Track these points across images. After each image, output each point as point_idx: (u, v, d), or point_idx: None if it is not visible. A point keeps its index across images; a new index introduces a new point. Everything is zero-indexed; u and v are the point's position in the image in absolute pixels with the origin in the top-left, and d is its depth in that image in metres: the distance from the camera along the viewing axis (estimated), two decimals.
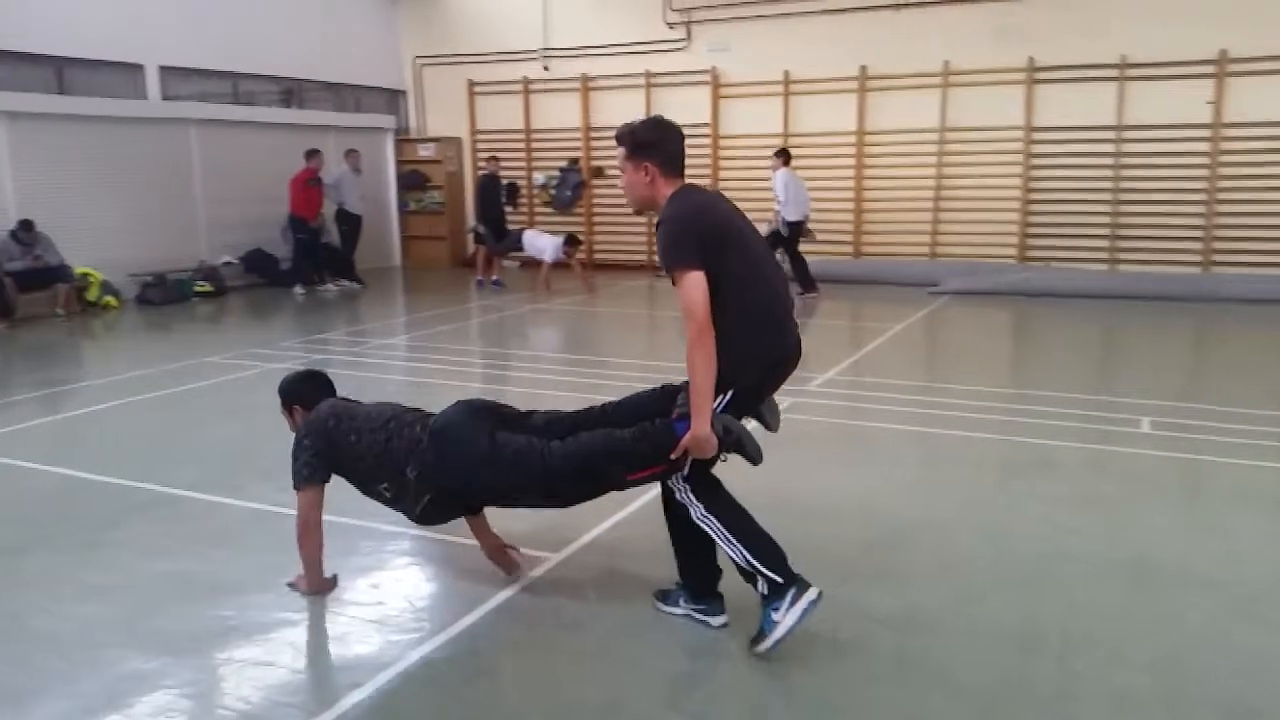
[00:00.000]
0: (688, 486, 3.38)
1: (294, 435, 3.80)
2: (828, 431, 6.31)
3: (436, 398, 4.19)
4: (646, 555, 4.24)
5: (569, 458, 3.35)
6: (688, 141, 3.51)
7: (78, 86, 12.10)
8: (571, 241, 13.30)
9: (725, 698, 3.18)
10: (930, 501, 4.99)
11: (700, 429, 3.14)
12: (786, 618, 3.25)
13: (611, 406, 3.58)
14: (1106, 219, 12.94)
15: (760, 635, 3.30)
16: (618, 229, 15.51)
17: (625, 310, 12.01)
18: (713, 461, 3.36)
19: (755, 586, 3.33)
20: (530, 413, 3.71)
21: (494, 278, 13.73)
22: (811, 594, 3.29)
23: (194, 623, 3.69)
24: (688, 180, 3.43)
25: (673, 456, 3.23)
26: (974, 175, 13.46)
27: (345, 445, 3.67)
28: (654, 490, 4.92)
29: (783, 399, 6.76)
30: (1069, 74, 12.76)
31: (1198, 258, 12.56)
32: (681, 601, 3.63)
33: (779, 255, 12.22)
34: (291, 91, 15.15)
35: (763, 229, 12.40)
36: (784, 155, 12.38)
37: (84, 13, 11.87)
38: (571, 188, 15.71)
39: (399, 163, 16.61)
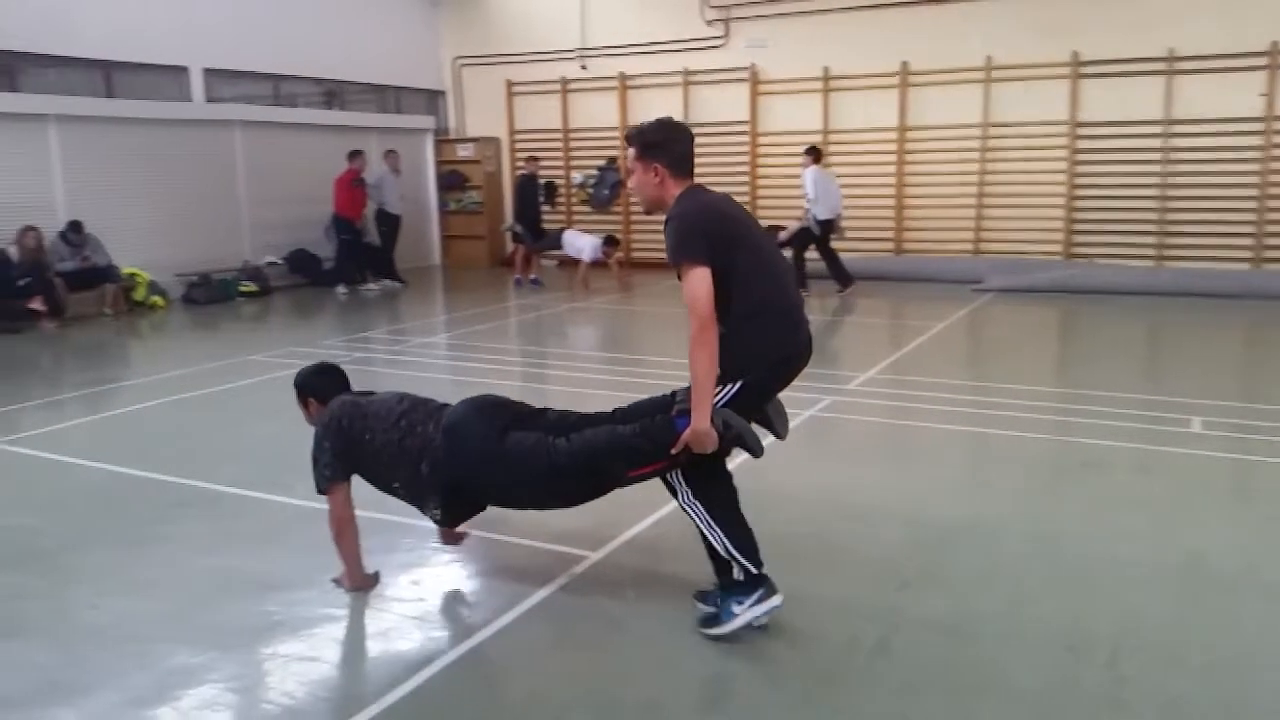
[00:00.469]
0: (682, 478, 3.42)
1: (313, 430, 3.82)
2: (869, 431, 6.24)
3: (474, 394, 4.18)
4: (686, 554, 4.20)
5: (573, 455, 3.38)
6: (725, 140, 3.54)
7: (125, 89, 12.31)
8: (611, 242, 13.30)
9: (766, 701, 3.14)
10: (977, 503, 4.91)
11: (700, 423, 3.17)
12: (747, 613, 3.35)
13: (621, 412, 3.58)
14: (1153, 214, 12.70)
15: (715, 620, 3.40)
16: (655, 228, 15.45)
17: (662, 309, 11.97)
18: (715, 455, 3.34)
19: (730, 574, 3.40)
20: (543, 410, 3.72)
21: (532, 276, 13.77)
22: (776, 600, 3.39)
23: (239, 618, 3.72)
24: (697, 181, 3.47)
25: (673, 451, 3.26)
26: (1018, 171, 13.27)
27: (361, 443, 3.69)
28: None
29: (821, 397, 6.77)
30: (1115, 68, 12.54)
31: (1248, 254, 12.28)
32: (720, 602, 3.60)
33: (805, 254, 12.18)
34: (333, 93, 15.30)
35: (792, 225, 12.45)
36: (814, 153, 12.24)
37: (131, 17, 12.06)
38: (609, 187, 15.69)
39: (438, 163, 16.71)
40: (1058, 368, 8.73)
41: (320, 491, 3.76)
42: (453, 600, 3.82)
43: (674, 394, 3.49)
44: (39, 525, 4.67)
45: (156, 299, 12.02)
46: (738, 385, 3.33)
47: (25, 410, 7.14)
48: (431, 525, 4.45)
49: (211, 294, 12.55)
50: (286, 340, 9.71)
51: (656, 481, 3.67)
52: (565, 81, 15.86)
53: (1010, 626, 3.53)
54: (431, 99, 16.90)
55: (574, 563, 4.02)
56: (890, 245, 14.08)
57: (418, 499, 3.70)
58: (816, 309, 11.55)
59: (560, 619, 3.63)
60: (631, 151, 3.45)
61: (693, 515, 3.42)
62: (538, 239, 13.77)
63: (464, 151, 16.64)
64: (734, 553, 3.37)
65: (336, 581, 3.90)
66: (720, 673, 3.30)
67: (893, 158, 13.89)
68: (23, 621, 3.70)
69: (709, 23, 14.69)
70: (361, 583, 3.86)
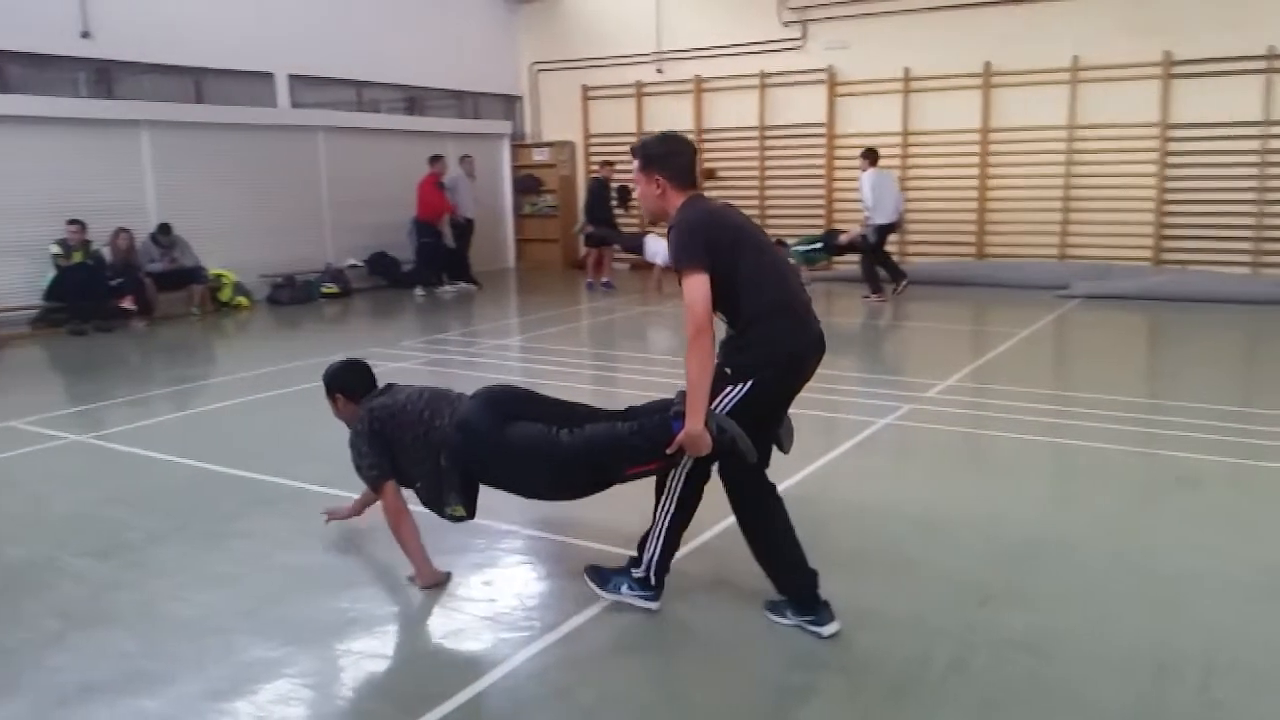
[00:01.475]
0: (681, 482, 3.52)
1: (341, 423, 4.04)
2: (948, 441, 6.10)
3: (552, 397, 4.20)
4: (756, 568, 4.16)
5: (574, 449, 3.49)
6: (802, 142, 3.52)
7: (214, 95, 12.70)
8: None
9: (837, 714, 3.08)
10: (1060, 517, 4.76)
11: (694, 426, 3.23)
12: (627, 597, 3.65)
13: (634, 410, 3.68)
14: (1250, 220, 12.20)
15: (601, 578, 3.71)
16: None
17: None
18: (712, 460, 3.43)
19: (630, 564, 3.67)
20: (555, 402, 3.85)
21: (604, 280, 13.81)
22: (653, 605, 3.64)
23: (315, 613, 3.79)
24: (698, 189, 3.58)
25: (668, 452, 3.35)
26: (1106, 174, 12.87)
27: (396, 444, 3.83)
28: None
29: (899, 405, 6.64)
30: (1210, 67, 12.08)
31: None
32: (789, 613, 3.56)
33: (882, 252, 12.00)
34: (413, 99, 15.57)
35: (854, 230, 12.30)
36: (871, 155, 12.02)
37: (220, 26, 12.44)
38: None
39: (514, 167, 16.89)
40: (1146, 378, 8.43)
41: (374, 487, 3.91)
42: (523, 601, 3.83)
43: (682, 394, 3.50)
44: (128, 518, 4.82)
45: (242, 299, 12.36)
46: (749, 384, 3.38)
47: (116, 406, 7.40)
48: (504, 527, 4.51)
49: (295, 295, 12.87)
50: (366, 341, 9.90)
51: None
52: (640, 85, 15.90)
53: (1094, 646, 3.40)
54: (508, 104, 17.09)
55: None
56: (972, 249, 13.78)
57: (436, 495, 3.80)
58: (891, 313, 11.36)
59: (629, 624, 3.61)
60: (635, 165, 3.56)
61: (656, 520, 3.59)
62: (621, 237, 13.77)
63: (539, 156, 16.80)
64: (654, 562, 3.60)
65: (411, 579, 3.95)
66: (790, 684, 3.25)
67: (975, 160, 13.60)
68: (112, 611, 3.82)
69: (786, 24, 14.57)
70: (433, 577, 3.90)
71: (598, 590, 3.70)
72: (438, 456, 3.72)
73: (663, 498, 3.59)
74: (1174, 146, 12.49)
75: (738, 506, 3.56)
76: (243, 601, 3.88)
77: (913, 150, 13.98)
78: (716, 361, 3.35)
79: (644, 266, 14.14)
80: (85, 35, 11.09)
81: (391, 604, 3.91)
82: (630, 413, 3.66)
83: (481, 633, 3.58)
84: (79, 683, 3.24)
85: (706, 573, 4.02)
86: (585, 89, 16.46)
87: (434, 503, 3.84)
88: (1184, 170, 12.51)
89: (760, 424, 3.43)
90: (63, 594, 3.96)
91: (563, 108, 16.75)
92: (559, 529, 4.50)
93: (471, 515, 3.88)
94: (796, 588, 3.53)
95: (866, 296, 12.02)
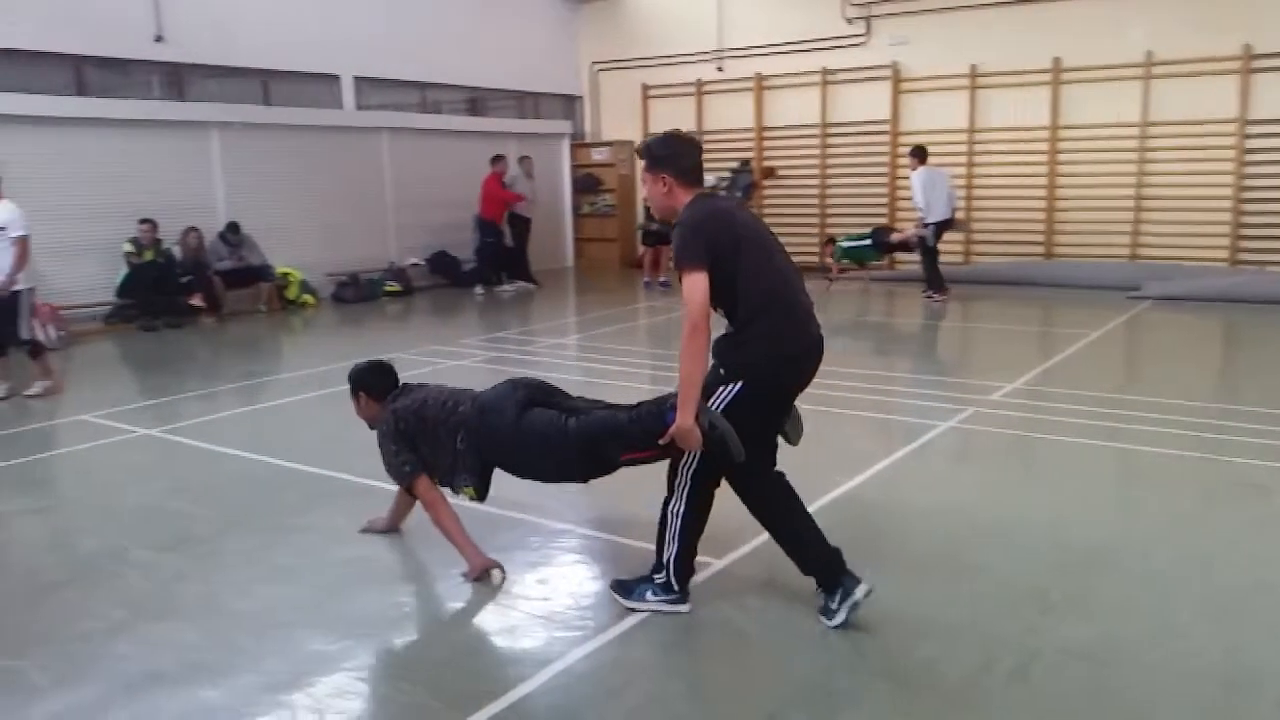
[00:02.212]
0: (689, 480, 3.55)
1: (369, 427, 4.23)
2: (1012, 445, 5.96)
3: (602, 395, 4.20)
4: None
5: (578, 434, 3.65)
6: (865, 139, 3.47)
7: (281, 97, 12.95)
8: None
9: None
10: (1126, 524, 4.62)
11: (684, 421, 3.30)
12: (654, 605, 3.63)
13: (644, 404, 3.75)
14: None
15: (625, 589, 3.69)
16: (789, 230, 15.29)
17: None
18: (721, 463, 3.46)
19: (652, 570, 3.66)
20: (572, 396, 3.99)
21: (661, 279, 13.78)
22: (683, 608, 3.62)
23: (373, 608, 3.83)
24: (703, 189, 3.62)
25: (661, 443, 3.44)
26: (1180, 172, 12.50)
27: (421, 439, 3.99)
28: (825, 497, 4.80)
29: (962, 408, 6.52)
30: None
31: None
32: (831, 605, 3.52)
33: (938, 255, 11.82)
34: (475, 99, 15.72)
35: (910, 231, 12.11)
36: (920, 154, 11.80)
37: (287, 29, 12.69)
38: (742, 189, 15.56)
39: (573, 166, 16.96)
40: (1219, 382, 8.15)
41: (407, 486, 4.07)
42: (577, 601, 3.83)
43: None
44: (194, 511, 4.94)
45: (307, 297, 12.60)
46: (741, 384, 3.43)
47: (184, 401, 7.59)
48: (560, 526, 4.52)
49: (359, 293, 13.08)
50: (427, 339, 10.02)
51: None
52: (700, 84, 15.85)
53: (1160, 657, 3.29)
54: (568, 104, 17.16)
55: (697, 569, 3.95)
56: (1040, 249, 13.49)
57: (450, 475, 3.96)
58: (955, 314, 11.17)
59: (683, 626, 3.59)
60: (642, 164, 3.62)
61: (668, 521, 3.60)
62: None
63: (599, 155, 16.84)
64: (671, 569, 3.60)
65: (464, 576, 3.98)
66: (847, 689, 3.20)
67: (1044, 158, 13.30)
68: (177, 602, 3.91)
69: (849, 20, 14.41)
70: (481, 563, 3.96)
71: (623, 602, 3.67)
72: (454, 438, 3.88)
73: (671, 499, 3.60)
74: (1253, 144, 12.08)
75: (745, 497, 3.63)
76: (302, 595, 3.95)
77: (979, 148, 13.72)
78: (713, 360, 3.43)
79: None
80: (159, 39, 11.40)
81: (447, 600, 3.94)
82: (640, 405, 3.73)
83: (535, 631, 3.59)
84: (144, 672, 3.32)
85: (757, 577, 3.98)
86: (645, 88, 16.46)
87: (448, 476, 4.00)
88: (1262, 168, 12.08)
89: (759, 422, 3.49)
90: (130, 585, 4.07)
91: (622, 107, 16.77)
92: (614, 529, 4.50)
93: (481, 498, 4.00)
94: (821, 565, 3.57)
95: (930, 296, 11.83)
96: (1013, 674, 3.20)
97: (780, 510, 3.62)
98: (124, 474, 5.74)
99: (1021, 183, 13.47)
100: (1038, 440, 6.10)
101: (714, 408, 3.41)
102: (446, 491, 4.10)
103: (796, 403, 3.67)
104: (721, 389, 3.44)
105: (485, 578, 3.96)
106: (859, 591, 3.48)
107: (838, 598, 3.50)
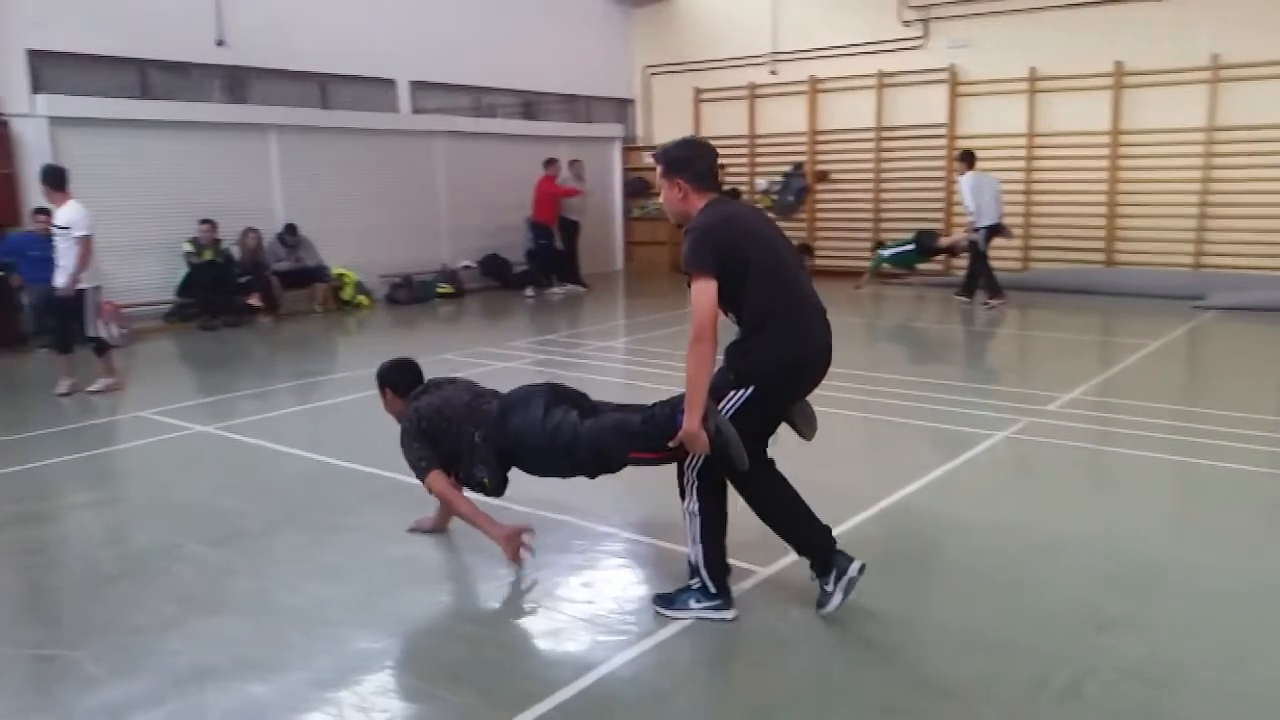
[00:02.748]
0: (696, 480, 3.57)
1: (396, 422, 4.34)
2: (1069, 457, 5.82)
3: (648, 399, 4.18)
4: (864, 580, 4.05)
5: (590, 433, 3.75)
6: (922, 143, 3.41)
7: (338, 101, 13.14)
8: (804, 251, 13.00)
9: None
10: (1185, 540, 4.49)
11: (690, 425, 3.35)
12: (698, 612, 3.60)
13: (658, 404, 3.78)
14: None
15: (667, 600, 3.67)
16: (838, 235, 15.16)
17: (845, 318, 11.68)
18: (721, 460, 3.47)
19: (690, 578, 3.65)
20: (590, 399, 4.06)
21: None
22: (730, 614, 3.59)
23: (419, 607, 3.86)
24: (718, 194, 3.62)
25: (670, 446, 3.49)
26: (1247, 179, 12.14)
27: (441, 434, 4.10)
28: (874, 506, 4.73)
29: (1018, 419, 6.39)
30: None
31: None
32: (826, 587, 3.59)
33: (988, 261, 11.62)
34: (528, 103, 15.81)
35: (959, 236, 11.92)
36: (968, 158, 11.76)
37: (345, 33, 12.87)
38: (795, 193, 15.49)
39: (625, 170, 16.98)
40: None
41: (423, 478, 4.13)
42: (620, 605, 3.81)
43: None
44: (246, 508, 5.01)
45: (362, 298, 12.76)
46: (749, 390, 3.46)
47: (239, 399, 7.72)
48: (604, 529, 4.52)
49: (412, 295, 13.22)
50: (478, 340, 10.09)
51: (834, 501, 3.56)
52: (753, 87, 15.77)
53: (1222, 681, 3.18)
54: (621, 107, 17.19)
55: (743, 577, 3.92)
56: (1101, 256, 13.19)
57: (469, 469, 4.05)
58: (1012, 321, 10.97)
59: (726, 633, 3.55)
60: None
61: (686, 524, 3.62)
62: None
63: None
64: (703, 571, 3.59)
65: (510, 564, 4.05)
66: (892, 704, 3.13)
67: (1105, 163, 13.01)
68: (227, 598, 3.97)
69: (906, 23, 14.24)
70: (508, 532, 4.03)
71: (666, 613, 3.64)
72: (474, 434, 4.01)
73: (685, 501, 3.63)
74: None
75: (737, 481, 3.65)
76: (350, 593, 3.98)
77: (1038, 153, 13.47)
78: (721, 364, 3.48)
79: None
80: (220, 43, 11.63)
81: (491, 601, 3.96)
82: (654, 408, 3.76)
83: (579, 634, 3.58)
84: (193, 666, 3.37)
85: (803, 585, 3.91)
86: (697, 91, 16.42)
87: (467, 471, 4.09)
88: None
89: (763, 423, 3.57)
90: (182, 580, 4.13)
91: (675, 110, 16.74)
92: (658, 533, 4.47)
93: (496, 493, 4.08)
94: (814, 546, 3.63)
95: (986, 303, 11.65)
96: (1066, 691, 3.12)
97: (773, 494, 3.66)
98: (179, 470, 5.85)
99: (1081, 188, 13.18)
100: (1095, 452, 5.96)
101: (723, 412, 3.44)
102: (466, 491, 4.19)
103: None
104: (731, 394, 3.47)
105: (520, 551, 4.03)
106: (853, 569, 3.56)
107: (832, 578, 3.57)
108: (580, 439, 3.76)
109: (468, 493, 4.18)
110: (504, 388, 4.29)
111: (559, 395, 4.03)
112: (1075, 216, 13.25)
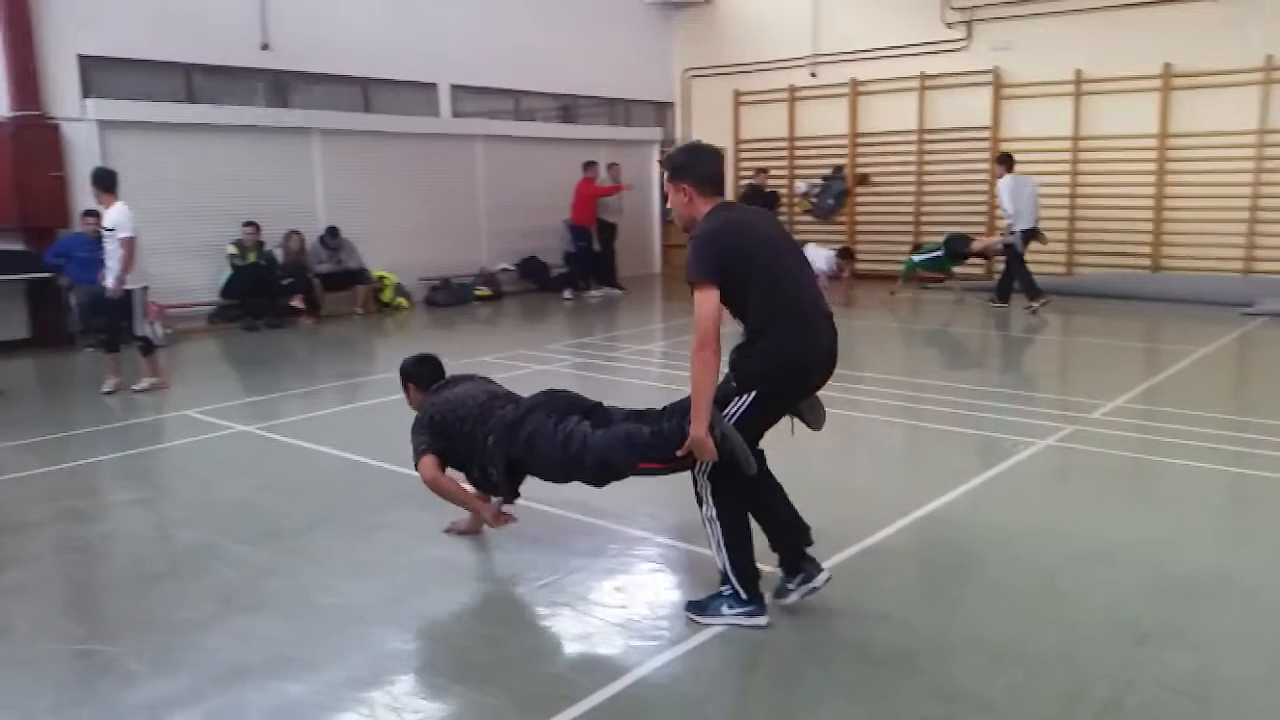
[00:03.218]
0: (708, 484, 3.58)
1: (414, 412, 4.47)
2: (1112, 466, 5.71)
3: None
4: (898, 588, 4.02)
5: (599, 443, 3.77)
6: (965, 145, 3.37)
7: (380, 105, 13.28)
8: (846, 255, 12.87)
9: None
10: (1234, 552, 4.38)
11: (696, 432, 3.38)
12: (731, 619, 3.58)
13: (668, 408, 3.82)
14: None
15: (699, 607, 3.65)
16: (878, 238, 15.03)
17: (886, 324, 11.58)
18: (732, 465, 3.47)
19: (720, 585, 3.63)
20: (602, 406, 4.10)
21: None
22: (763, 620, 3.57)
23: (450, 608, 3.88)
24: (724, 199, 3.65)
25: (678, 454, 3.50)
26: None
27: (451, 430, 4.19)
28: (912, 514, 4.68)
29: (1061, 426, 6.29)
30: None
31: None
32: (789, 585, 3.68)
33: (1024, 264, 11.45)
34: (567, 106, 15.87)
35: (994, 240, 11.77)
36: (1006, 161, 11.72)
37: (387, 38, 13.00)
38: (834, 196, 15.40)
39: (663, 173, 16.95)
40: None
41: (416, 463, 4.26)
42: (653, 610, 3.80)
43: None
44: (285, 507, 5.07)
45: (402, 300, 12.88)
46: (753, 395, 3.47)
47: (281, 399, 7.82)
48: (637, 534, 4.51)
49: (450, 297, 13.32)
50: (515, 343, 10.13)
51: (871, 507, 3.52)
52: (794, 90, 15.70)
53: (1269, 696, 3.10)
54: (660, 110, 17.19)
55: (776, 584, 3.90)
56: (1147, 261, 12.96)
57: (483, 473, 4.14)
58: (1056, 327, 10.81)
59: (760, 641, 3.53)
60: (665, 175, 3.69)
61: (708, 531, 3.62)
62: None
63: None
64: (732, 577, 3.58)
65: (470, 525, 4.43)
66: (926, 715, 3.09)
67: (1152, 166, 12.78)
68: (266, 596, 4.01)
69: (949, 25, 14.10)
70: (492, 509, 4.25)
71: (699, 620, 3.62)
72: (486, 437, 4.07)
73: (702, 508, 3.63)
74: None
75: (725, 507, 3.63)
76: (385, 592, 4.01)
77: (1084, 156, 13.27)
78: (726, 371, 3.50)
79: None
80: (265, 48, 11.80)
81: (524, 603, 3.96)
82: (665, 411, 3.80)
83: (611, 638, 3.58)
84: (232, 664, 3.41)
85: (839, 595, 3.88)
86: (737, 94, 16.38)
87: (482, 481, 4.20)
88: None
89: (766, 423, 3.61)
90: (222, 578, 4.19)
91: (714, 113, 16.72)
92: (691, 538, 4.44)
93: (508, 498, 4.21)
94: (789, 546, 3.70)
95: (1028, 306, 11.49)
96: (1105, 706, 3.06)
97: (759, 488, 3.68)
98: (221, 469, 5.93)
99: (1127, 192, 12.97)
100: (1141, 462, 5.84)
101: (728, 418, 3.46)
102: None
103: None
104: (736, 400, 3.49)
105: (506, 520, 4.24)
106: (819, 579, 3.65)
107: (798, 580, 3.66)
108: (590, 448, 3.78)
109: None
110: (538, 391, 4.30)
111: (570, 404, 4.07)
112: (1121, 220, 13.04)
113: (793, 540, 3.71)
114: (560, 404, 4.05)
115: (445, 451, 4.26)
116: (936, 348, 10.51)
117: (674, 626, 3.64)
